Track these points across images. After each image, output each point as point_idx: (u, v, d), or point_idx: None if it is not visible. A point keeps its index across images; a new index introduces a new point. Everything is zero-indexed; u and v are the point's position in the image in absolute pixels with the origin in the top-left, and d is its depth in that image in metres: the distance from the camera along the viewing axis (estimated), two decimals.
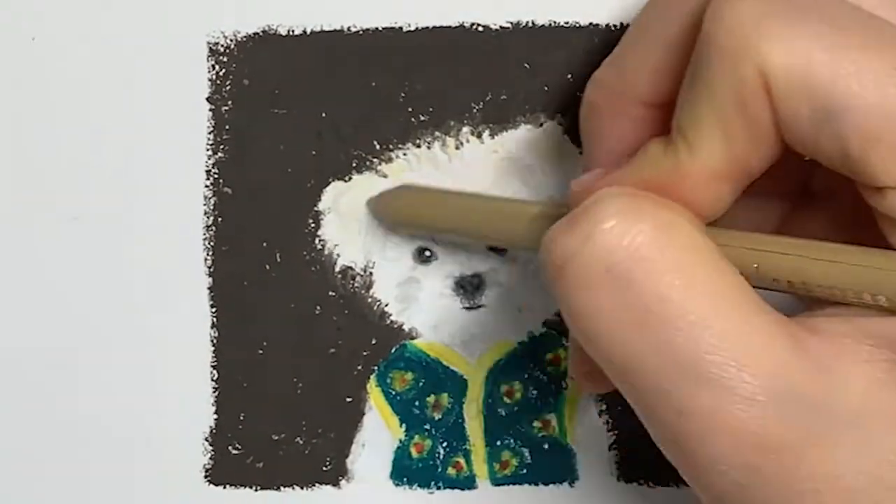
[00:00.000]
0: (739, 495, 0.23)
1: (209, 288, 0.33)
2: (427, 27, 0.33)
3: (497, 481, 0.33)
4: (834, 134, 0.22)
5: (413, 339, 0.33)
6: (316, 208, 0.33)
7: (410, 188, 0.32)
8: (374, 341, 0.33)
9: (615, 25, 0.33)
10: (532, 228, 0.28)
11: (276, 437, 0.33)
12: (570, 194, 0.27)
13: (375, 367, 0.33)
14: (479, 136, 0.33)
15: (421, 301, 0.33)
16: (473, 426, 0.33)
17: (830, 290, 0.24)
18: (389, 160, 0.33)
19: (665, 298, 0.23)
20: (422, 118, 0.33)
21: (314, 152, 0.33)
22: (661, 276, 0.23)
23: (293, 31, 0.33)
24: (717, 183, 0.24)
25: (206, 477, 0.33)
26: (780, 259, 0.24)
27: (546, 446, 0.33)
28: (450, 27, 0.33)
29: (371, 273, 0.33)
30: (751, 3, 0.23)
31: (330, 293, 0.33)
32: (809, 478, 0.23)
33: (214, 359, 0.33)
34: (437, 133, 0.33)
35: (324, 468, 0.33)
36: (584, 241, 0.23)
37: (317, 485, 0.33)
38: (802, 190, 0.28)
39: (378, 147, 0.33)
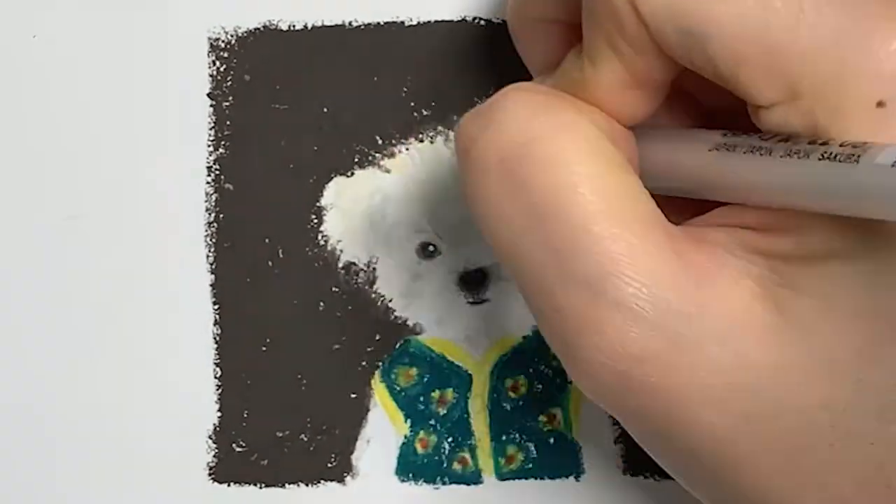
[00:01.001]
0: (613, 400, 0.24)
1: (211, 285, 0.33)
2: (429, 21, 0.33)
3: (503, 476, 0.33)
4: (703, 55, 0.23)
5: (417, 334, 0.33)
6: (318, 204, 0.33)
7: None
8: (377, 337, 0.33)
9: None
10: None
11: (281, 434, 0.33)
12: None
13: (380, 363, 0.33)
14: None
15: (425, 296, 0.33)
16: (479, 421, 0.33)
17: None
18: (392, 155, 0.33)
19: (550, 196, 0.23)
20: (424, 113, 0.33)
21: (316, 147, 0.33)
22: (551, 174, 0.23)
23: (294, 26, 0.33)
24: (625, 91, 0.24)
25: (210, 475, 0.33)
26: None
27: (552, 440, 0.33)
28: (452, 21, 0.33)
29: (374, 269, 0.33)
30: None
31: (333, 289, 0.33)
32: (678, 387, 0.23)
33: (217, 356, 0.33)
34: (439, 127, 0.33)
35: (329, 465, 0.33)
36: (483, 129, 0.24)
37: (322, 482, 0.33)
38: (708, 111, 0.28)
39: (380, 142, 0.33)
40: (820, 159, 0.21)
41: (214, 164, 0.33)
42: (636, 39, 0.23)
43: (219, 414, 0.33)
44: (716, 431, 0.23)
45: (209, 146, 0.33)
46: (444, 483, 0.33)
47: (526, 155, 0.23)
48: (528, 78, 0.32)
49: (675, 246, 0.23)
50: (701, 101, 0.27)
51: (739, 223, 0.24)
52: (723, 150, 0.24)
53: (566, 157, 0.23)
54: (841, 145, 0.21)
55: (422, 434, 0.33)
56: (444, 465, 0.33)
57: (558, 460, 0.33)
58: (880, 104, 0.22)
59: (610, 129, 0.25)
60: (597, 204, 0.23)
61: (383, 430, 0.33)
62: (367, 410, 0.33)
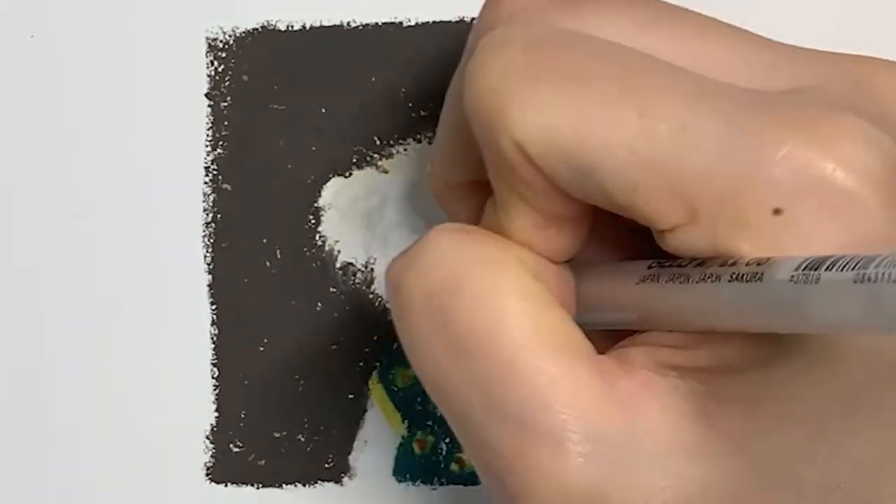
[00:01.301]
0: None
1: (209, 285, 0.33)
2: (427, 22, 0.33)
3: None
4: (597, 188, 0.22)
5: None
6: (316, 204, 0.33)
7: None
8: (375, 338, 0.33)
9: None
10: None
11: (278, 435, 0.33)
12: None
13: (377, 364, 0.33)
14: None
15: None
16: None
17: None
18: (390, 156, 0.33)
19: (474, 329, 0.23)
20: (422, 113, 0.33)
21: (314, 148, 0.33)
22: (474, 310, 0.23)
23: (292, 27, 0.33)
24: (541, 232, 0.24)
25: (207, 475, 0.33)
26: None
27: None
28: (450, 22, 0.33)
29: (372, 269, 0.33)
30: (495, 70, 0.23)
31: (331, 289, 0.33)
32: None
33: (215, 356, 0.33)
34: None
35: (326, 465, 0.33)
36: (409, 267, 0.24)
37: (319, 482, 0.33)
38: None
39: (378, 142, 0.33)
40: (730, 281, 0.21)
41: (212, 164, 0.33)
42: (533, 183, 0.23)
43: (216, 414, 0.33)
44: None
45: (207, 146, 0.33)
46: (441, 484, 0.33)
47: (450, 290, 0.23)
48: None
49: (603, 375, 0.23)
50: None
51: (659, 342, 0.24)
52: (648, 281, 0.24)
53: (490, 292, 0.23)
54: (747, 264, 0.21)
55: (419, 435, 0.33)
56: (442, 465, 0.33)
57: None
58: (777, 211, 0.21)
59: (535, 265, 0.24)
60: (521, 338, 0.23)
61: (381, 430, 0.33)
62: (365, 411, 0.33)
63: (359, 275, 0.33)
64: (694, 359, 0.23)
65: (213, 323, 0.33)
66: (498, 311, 0.23)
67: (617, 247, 0.27)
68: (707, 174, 0.22)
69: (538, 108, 0.22)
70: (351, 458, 0.33)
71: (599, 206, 0.23)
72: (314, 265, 0.33)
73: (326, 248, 0.33)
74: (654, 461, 0.22)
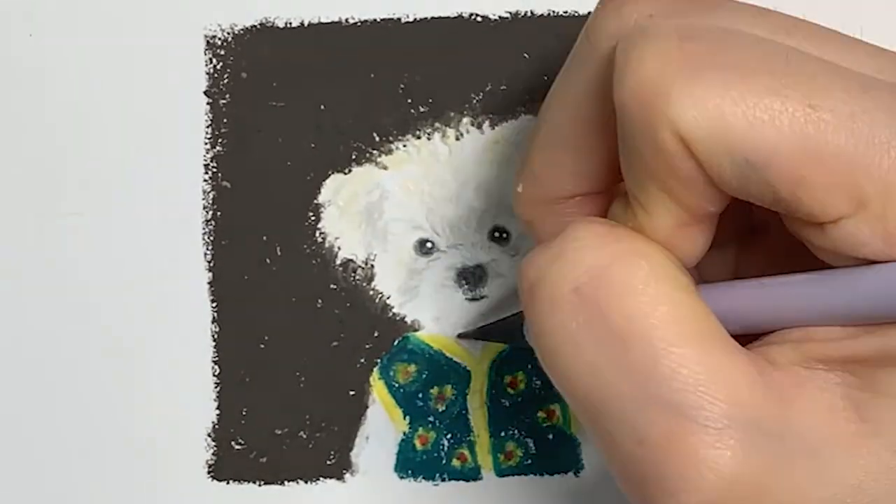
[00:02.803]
0: None
1: (209, 283, 0.33)
2: (426, 18, 0.33)
3: (502, 472, 0.33)
4: (761, 181, 0.22)
5: (416, 331, 0.33)
6: (316, 201, 0.33)
7: None
8: (376, 334, 0.33)
9: None
10: None
11: (279, 432, 0.33)
12: None
13: (378, 360, 0.33)
14: (480, 126, 0.33)
15: (423, 293, 0.33)
16: (477, 417, 0.33)
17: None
18: (389, 152, 0.33)
19: (630, 322, 0.23)
20: (421, 109, 0.33)
21: (313, 145, 0.33)
22: (627, 300, 0.23)
23: (290, 24, 0.33)
24: (683, 231, 0.24)
25: (208, 472, 0.33)
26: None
27: (551, 436, 0.33)
28: (448, 18, 0.33)
29: (372, 265, 0.33)
30: (651, 62, 0.22)
31: (331, 286, 0.33)
32: None
33: (216, 354, 0.33)
34: (437, 124, 0.33)
35: (328, 462, 0.33)
36: (554, 260, 0.24)
37: (321, 479, 0.33)
38: (748, 228, 0.28)
39: (377, 139, 0.33)
40: None
41: (212, 161, 0.33)
42: (690, 178, 0.23)
43: (217, 412, 0.33)
44: None
45: (206, 144, 0.33)
46: (443, 480, 0.33)
47: (601, 282, 0.23)
48: (533, 81, 0.33)
49: (758, 367, 0.23)
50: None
51: (804, 338, 0.24)
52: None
53: (642, 281, 0.23)
54: None
55: (421, 431, 0.33)
56: (443, 461, 0.33)
57: (558, 456, 0.33)
58: None
59: (673, 259, 0.24)
60: (677, 327, 0.23)
61: (382, 427, 0.33)
62: (366, 407, 0.33)
63: (359, 271, 0.33)
64: (850, 350, 0.23)
65: (213, 320, 0.33)
66: (654, 299, 0.23)
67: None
68: (876, 159, 0.22)
69: (703, 98, 0.22)
70: (353, 454, 0.33)
71: (755, 201, 0.23)
72: (314, 262, 0.33)
73: (326, 245, 0.33)
74: (809, 454, 0.22)
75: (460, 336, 0.33)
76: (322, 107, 0.33)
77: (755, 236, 0.28)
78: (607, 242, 0.24)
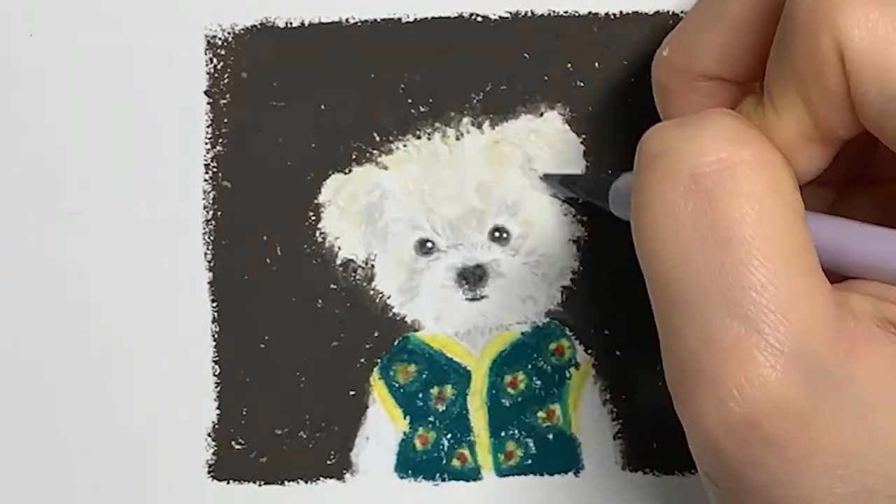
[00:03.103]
0: (724, 450, 0.23)
1: (209, 283, 0.33)
2: (426, 18, 0.33)
3: (502, 472, 0.33)
4: None
5: (416, 331, 0.33)
6: (316, 201, 0.33)
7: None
8: (376, 334, 0.33)
9: (613, 14, 0.33)
10: None
11: (280, 432, 0.33)
12: None
13: (378, 360, 0.33)
14: (480, 126, 0.33)
15: (423, 293, 0.33)
16: (477, 417, 0.33)
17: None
18: (389, 152, 0.33)
19: (736, 223, 0.23)
20: (421, 109, 0.33)
21: (313, 145, 0.33)
22: (741, 202, 0.23)
23: (291, 24, 0.33)
24: (805, 144, 0.24)
25: (209, 472, 0.33)
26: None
27: (551, 436, 0.33)
28: (449, 18, 0.33)
29: (372, 265, 0.33)
30: None
31: (331, 286, 0.33)
32: (807, 445, 0.23)
33: (216, 354, 0.33)
34: (437, 124, 0.33)
35: (328, 462, 0.33)
36: (683, 140, 0.24)
37: (321, 479, 0.33)
38: (852, 176, 0.28)
39: (378, 139, 0.33)
40: None
41: (212, 161, 0.33)
42: (833, 95, 0.23)
43: (217, 412, 0.33)
44: (832, 501, 0.23)
45: (207, 144, 0.33)
46: (443, 480, 0.33)
47: (722, 177, 0.23)
48: (533, 81, 0.33)
49: (837, 309, 0.23)
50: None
51: (886, 296, 0.24)
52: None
53: (759, 191, 0.23)
54: None
55: (421, 431, 0.33)
56: (444, 461, 0.33)
57: (557, 456, 0.33)
58: None
59: (791, 174, 0.24)
60: (778, 245, 0.23)
61: (382, 427, 0.33)
62: (366, 407, 0.33)
63: (359, 271, 0.33)
64: None
65: (213, 320, 0.33)
66: (766, 212, 0.23)
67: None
68: None
69: (875, 21, 0.22)
70: (353, 454, 0.33)
71: (886, 139, 0.23)
72: (314, 262, 0.33)
73: (326, 245, 0.33)
74: (860, 408, 0.23)
75: (545, 177, 0.33)
76: (322, 107, 0.33)
77: (855, 186, 0.28)
78: (739, 142, 0.23)
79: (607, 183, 0.29)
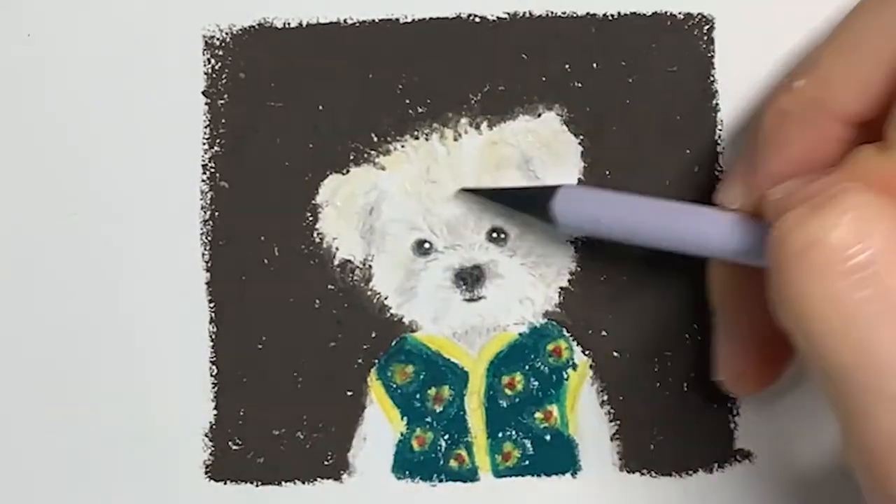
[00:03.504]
0: None
1: (207, 283, 0.33)
2: (424, 18, 0.33)
3: (499, 473, 0.33)
4: None
5: (413, 331, 0.33)
6: (314, 201, 0.33)
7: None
8: (373, 334, 0.33)
9: (612, 15, 0.33)
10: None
11: (277, 432, 0.33)
12: (769, 202, 0.27)
13: (376, 361, 0.33)
14: (478, 127, 0.33)
15: (421, 293, 0.33)
16: (475, 418, 0.33)
17: None
18: (387, 152, 0.33)
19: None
20: (419, 110, 0.33)
21: (311, 145, 0.33)
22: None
23: (289, 24, 0.33)
24: None
25: (206, 473, 0.33)
26: None
27: (548, 437, 0.33)
28: (447, 18, 0.33)
29: (370, 266, 0.33)
30: None
31: (329, 287, 0.33)
32: None
33: (213, 354, 0.33)
34: (434, 125, 0.33)
35: (325, 462, 0.33)
36: (830, 229, 0.23)
37: (318, 479, 0.33)
38: None
39: (375, 139, 0.33)
40: None
41: (210, 161, 0.33)
42: None
43: (215, 412, 0.33)
44: None
45: (204, 144, 0.33)
46: (440, 480, 0.33)
47: (881, 255, 0.23)
48: (531, 82, 0.33)
49: None
50: None
51: None
52: None
53: None
54: None
55: (418, 431, 0.33)
56: (441, 462, 0.33)
57: (555, 457, 0.33)
58: None
59: None
60: None
61: (379, 427, 0.33)
62: (364, 408, 0.33)
63: (357, 272, 0.33)
64: None
65: (211, 321, 0.33)
66: None
67: None
68: None
69: None
70: (350, 455, 0.33)
71: None
72: (312, 262, 0.33)
73: (324, 246, 0.33)
74: None
75: (463, 190, 0.33)
76: (320, 107, 0.33)
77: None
78: (881, 216, 0.23)
79: (545, 196, 0.30)
